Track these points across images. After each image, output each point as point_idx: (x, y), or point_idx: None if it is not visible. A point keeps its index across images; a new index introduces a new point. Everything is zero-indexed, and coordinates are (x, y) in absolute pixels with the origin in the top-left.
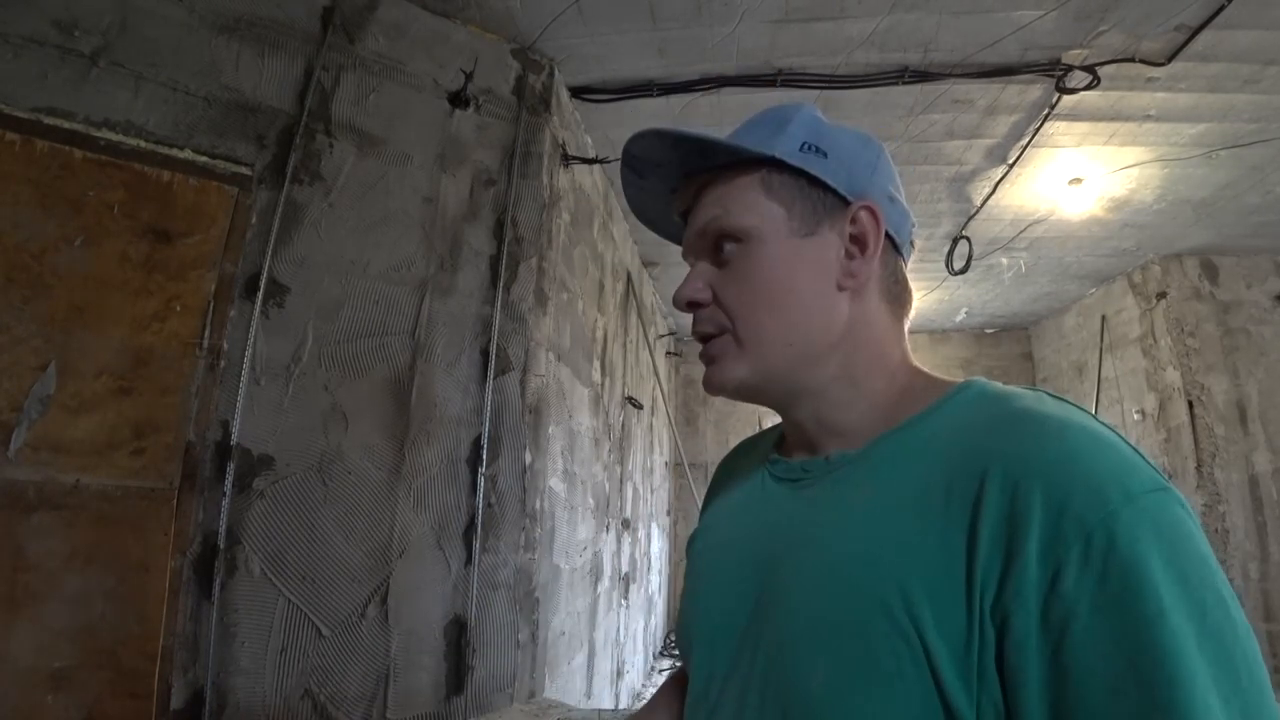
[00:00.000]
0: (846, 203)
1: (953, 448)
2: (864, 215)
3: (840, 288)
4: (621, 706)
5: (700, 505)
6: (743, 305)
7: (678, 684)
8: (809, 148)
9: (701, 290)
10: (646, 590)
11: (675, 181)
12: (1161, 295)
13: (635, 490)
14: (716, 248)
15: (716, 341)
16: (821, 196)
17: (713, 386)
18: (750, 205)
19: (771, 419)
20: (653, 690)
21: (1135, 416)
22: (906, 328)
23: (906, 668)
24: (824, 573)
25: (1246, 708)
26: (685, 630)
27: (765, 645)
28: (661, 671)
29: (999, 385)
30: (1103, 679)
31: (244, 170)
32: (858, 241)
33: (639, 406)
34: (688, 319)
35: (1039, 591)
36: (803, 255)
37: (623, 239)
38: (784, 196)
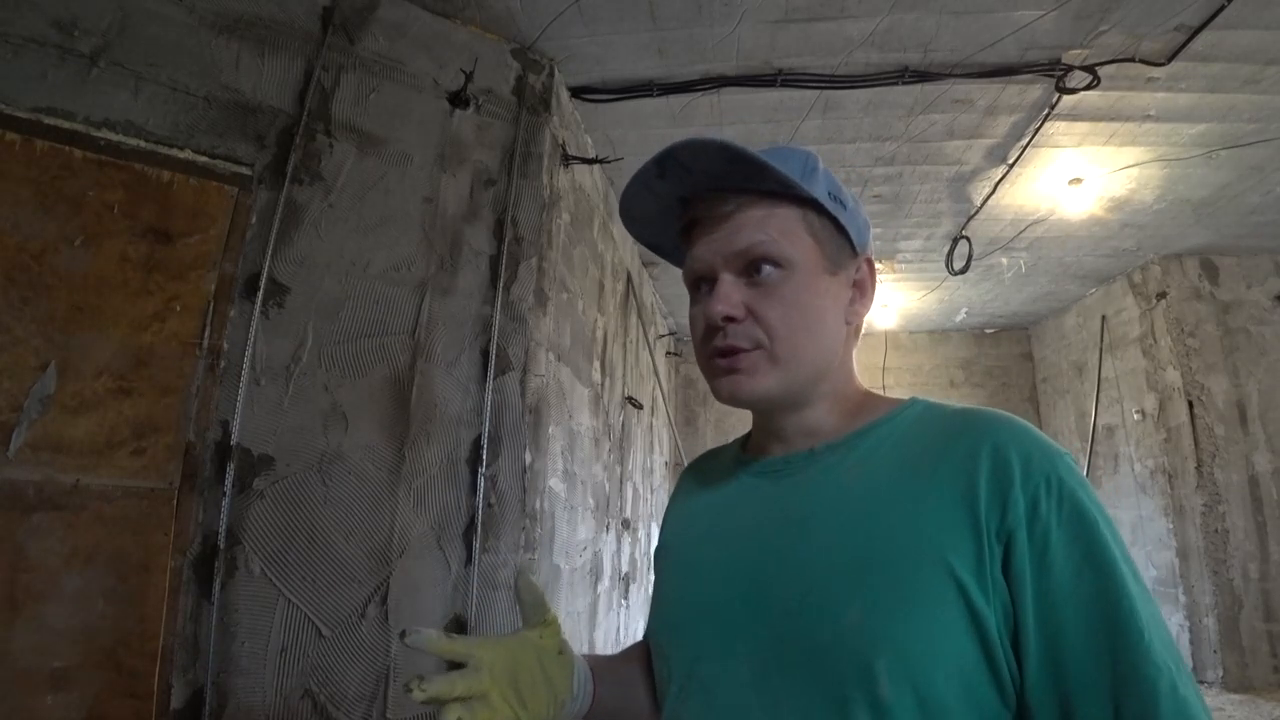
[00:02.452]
0: (854, 252)
1: (928, 436)
2: (865, 266)
3: (846, 322)
4: None
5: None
6: (785, 326)
7: (640, 651)
8: (833, 198)
9: (738, 305)
10: (646, 590)
11: (699, 191)
12: (1161, 295)
13: (635, 490)
14: (752, 268)
15: (748, 356)
16: (841, 243)
17: (739, 396)
18: (795, 237)
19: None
20: None
21: (1135, 416)
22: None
23: (941, 587)
24: (843, 528)
25: (1135, 571)
26: (664, 619)
27: (779, 603)
28: None
29: (934, 400)
30: (1071, 566)
31: (244, 170)
32: (858, 287)
33: (639, 406)
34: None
35: (1026, 514)
36: (829, 290)
37: (623, 239)
38: (820, 236)
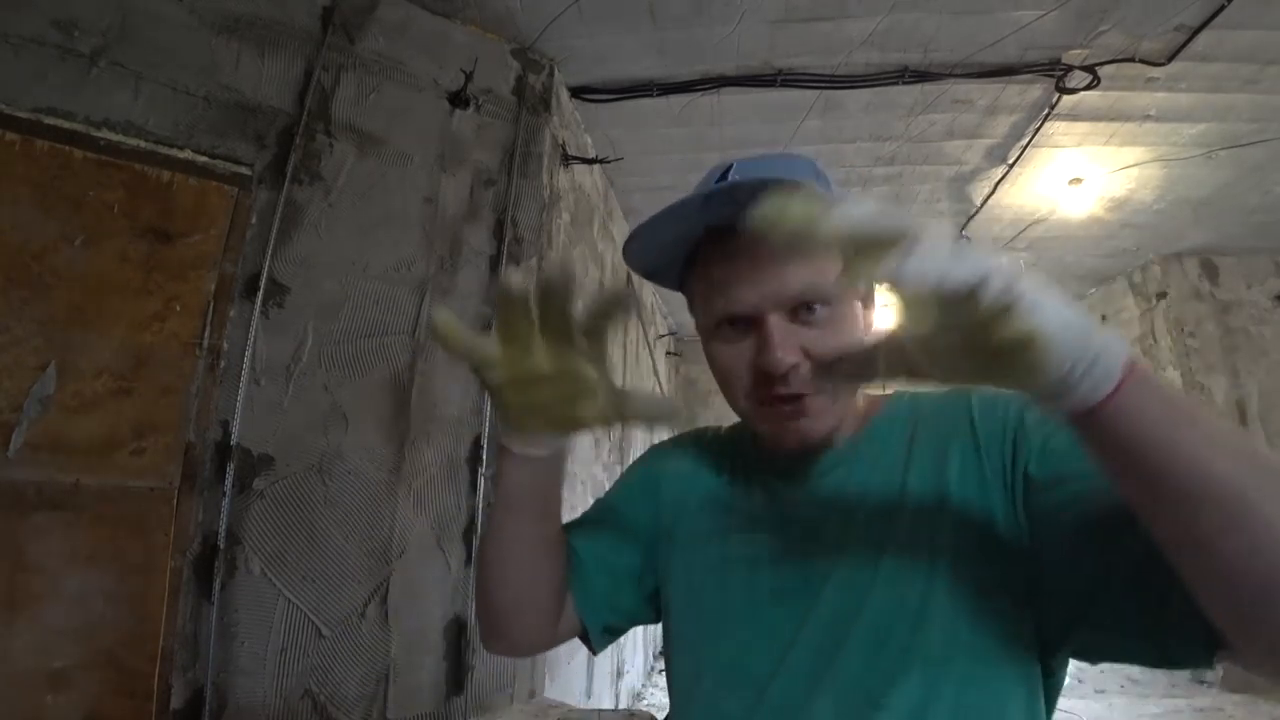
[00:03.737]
0: None
1: (925, 414)
2: None
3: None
4: (622, 706)
5: (643, 482)
6: None
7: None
8: None
9: (796, 350)
10: None
11: (734, 219)
12: (1161, 295)
13: None
14: (803, 308)
15: (814, 399)
16: None
17: (809, 440)
18: (834, 268)
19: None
20: (653, 690)
21: None
22: None
23: (995, 515)
24: (890, 502)
25: None
26: (699, 619)
27: (838, 575)
28: (661, 671)
29: (915, 390)
30: (1067, 435)
31: (244, 170)
32: (864, 296)
33: None
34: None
35: (1015, 422)
36: (860, 311)
37: (622, 239)
38: None
